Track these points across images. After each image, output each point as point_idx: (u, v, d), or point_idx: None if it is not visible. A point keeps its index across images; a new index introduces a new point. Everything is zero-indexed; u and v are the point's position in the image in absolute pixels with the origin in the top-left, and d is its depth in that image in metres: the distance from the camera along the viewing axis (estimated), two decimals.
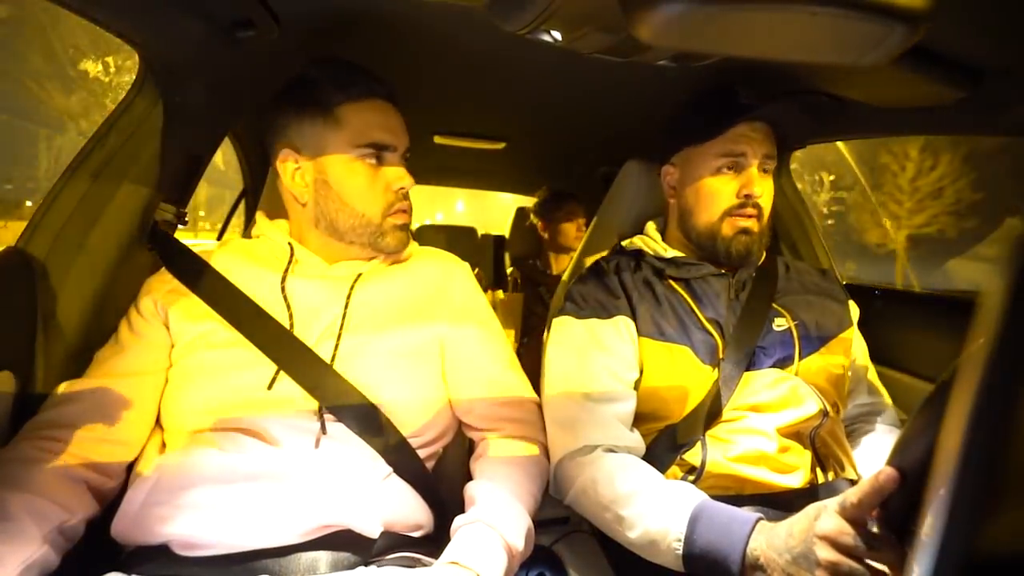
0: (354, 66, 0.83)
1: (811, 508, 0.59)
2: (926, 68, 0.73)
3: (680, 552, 0.68)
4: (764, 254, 0.98)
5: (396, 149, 0.84)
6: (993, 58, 0.72)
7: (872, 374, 1.00)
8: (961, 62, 0.73)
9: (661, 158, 1.01)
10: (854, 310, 1.01)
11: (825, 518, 0.56)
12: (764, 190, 0.90)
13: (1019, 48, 0.68)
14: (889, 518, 0.52)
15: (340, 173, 0.81)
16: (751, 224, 0.90)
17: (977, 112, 0.85)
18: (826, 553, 0.55)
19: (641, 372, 0.89)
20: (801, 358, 0.88)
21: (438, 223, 3.32)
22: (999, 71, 0.73)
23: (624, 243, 1.04)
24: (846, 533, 0.54)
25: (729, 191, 0.90)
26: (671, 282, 0.94)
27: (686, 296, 0.92)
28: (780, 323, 0.91)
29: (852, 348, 0.96)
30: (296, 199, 0.84)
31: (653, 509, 0.72)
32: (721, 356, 0.87)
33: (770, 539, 0.62)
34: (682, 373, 0.87)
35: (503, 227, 2.64)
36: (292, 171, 0.82)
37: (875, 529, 0.53)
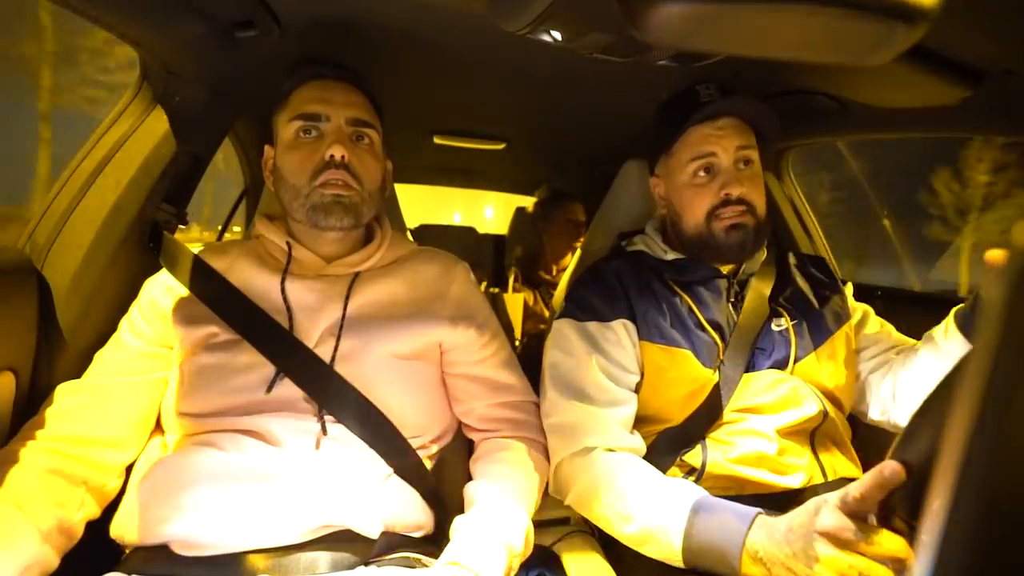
0: (322, 57, 0.87)
1: (811, 503, 0.59)
2: (927, 68, 0.73)
3: (679, 547, 0.68)
4: (765, 252, 0.98)
5: (329, 119, 0.82)
6: (993, 58, 0.72)
7: (894, 332, 0.97)
8: (962, 62, 0.73)
9: (651, 170, 1.02)
10: (850, 294, 0.99)
11: (826, 513, 0.56)
12: (747, 185, 0.88)
13: (1020, 49, 0.68)
14: (891, 513, 0.52)
15: (280, 151, 0.85)
16: (742, 219, 0.88)
17: (977, 112, 0.85)
18: (826, 548, 0.55)
19: (642, 375, 0.89)
20: (797, 360, 0.88)
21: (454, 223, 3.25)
22: (1000, 71, 0.73)
23: (624, 243, 1.04)
24: (847, 529, 0.53)
25: (709, 193, 0.89)
26: (671, 284, 0.93)
27: (686, 298, 0.92)
28: (779, 323, 0.91)
29: (856, 335, 0.95)
30: (275, 193, 0.88)
31: (652, 504, 0.72)
32: (721, 358, 0.87)
33: (770, 533, 0.62)
34: (683, 376, 0.86)
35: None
36: (268, 166, 0.88)
37: (876, 524, 0.53)
